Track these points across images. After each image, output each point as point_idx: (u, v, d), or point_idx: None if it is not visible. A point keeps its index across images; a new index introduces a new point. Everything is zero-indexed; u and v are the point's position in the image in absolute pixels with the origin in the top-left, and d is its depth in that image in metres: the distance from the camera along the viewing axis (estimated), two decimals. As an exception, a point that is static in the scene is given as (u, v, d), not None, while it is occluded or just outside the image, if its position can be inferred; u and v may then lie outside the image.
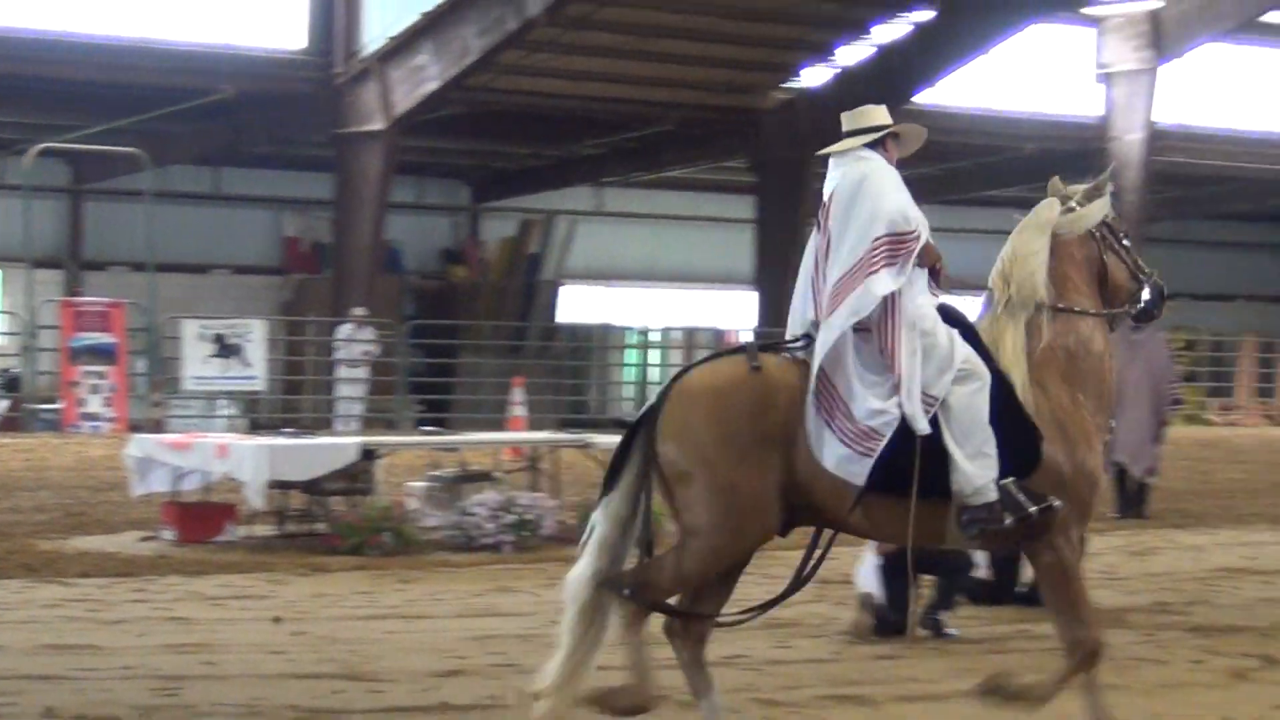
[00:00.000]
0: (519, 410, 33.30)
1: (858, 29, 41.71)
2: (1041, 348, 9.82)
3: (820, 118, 41.14)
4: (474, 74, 37.71)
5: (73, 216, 42.02)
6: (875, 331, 9.44)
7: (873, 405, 9.16)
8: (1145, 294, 10.49)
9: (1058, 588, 9.48)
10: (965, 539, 9.50)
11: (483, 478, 19.05)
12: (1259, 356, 51.44)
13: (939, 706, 10.32)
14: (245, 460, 17.59)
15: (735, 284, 46.82)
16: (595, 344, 45.01)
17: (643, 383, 45.29)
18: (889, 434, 8.94)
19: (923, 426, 9.00)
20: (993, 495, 8.99)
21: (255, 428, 32.69)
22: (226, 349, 37.32)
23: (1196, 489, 26.94)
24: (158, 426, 31.19)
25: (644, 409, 10.11)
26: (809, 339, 9.90)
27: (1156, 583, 16.36)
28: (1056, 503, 9.38)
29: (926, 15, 41.41)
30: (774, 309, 42.28)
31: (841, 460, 8.88)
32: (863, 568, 13.05)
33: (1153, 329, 22.32)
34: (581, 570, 9.26)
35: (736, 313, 46.77)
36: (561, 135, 43.32)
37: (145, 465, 18.47)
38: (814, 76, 42.98)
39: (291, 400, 38.58)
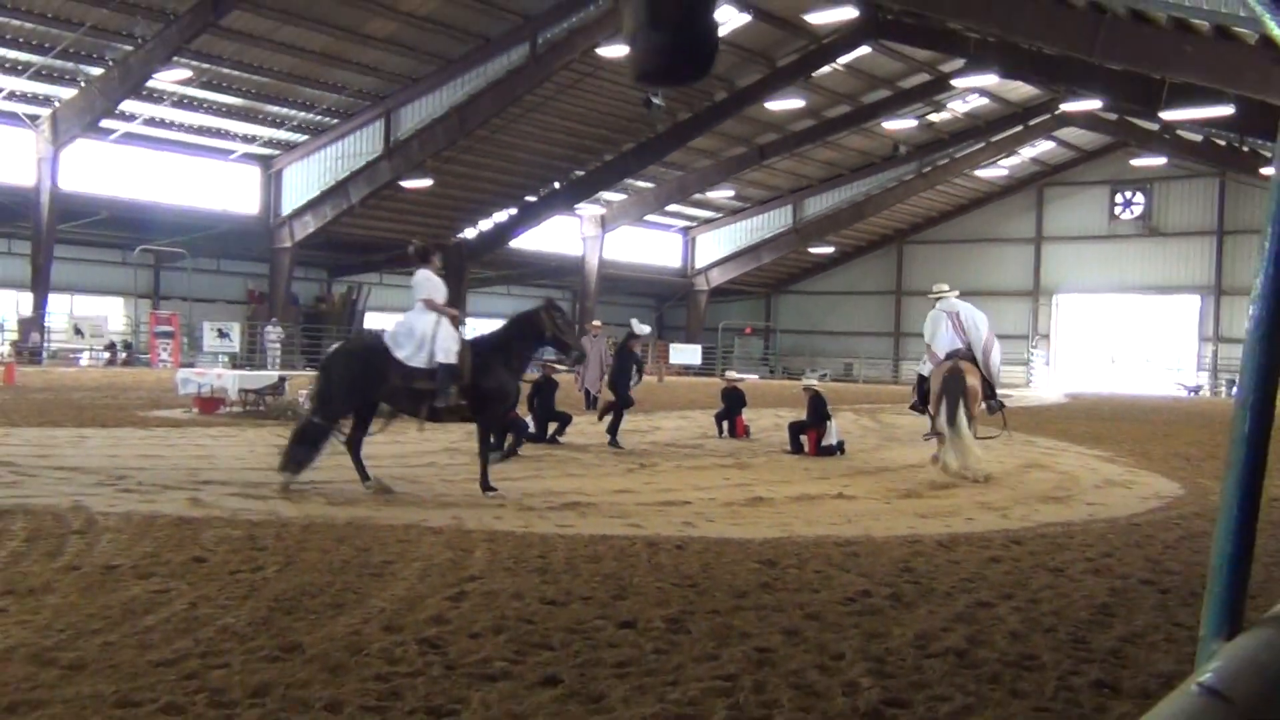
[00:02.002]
0: None
1: (487, 214, 43.31)
2: None
3: (472, 250, 43.77)
4: (328, 226, 37.80)
5: (155, 275, 40.53)
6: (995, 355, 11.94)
7: (998, 371, 11.80)
8: None
9: None
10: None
11: None
12: (641, 349, 55.70)
13: (514, 483, 9.96)
14: (228, 381, 17.76)
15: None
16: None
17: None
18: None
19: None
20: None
21: (234, 367, 32.23)
22: (222, 335, 39.39)
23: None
24: (191, 365, 30.43)
25: (948, 375, 11.51)
26: (961, 353, 11.90)
27: (600, 436, 14.90)
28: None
29: (514, 210, 43.15)
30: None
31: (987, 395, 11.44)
32: None
33: (603, 335, 22.62)
34: (966, 438, 11.01)
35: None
36: (364, 250, 42.91)
37: (185, 381, 18.17)
38: (468, 232, 43.96)
39: (252, 357, 37.15)
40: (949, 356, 11.96)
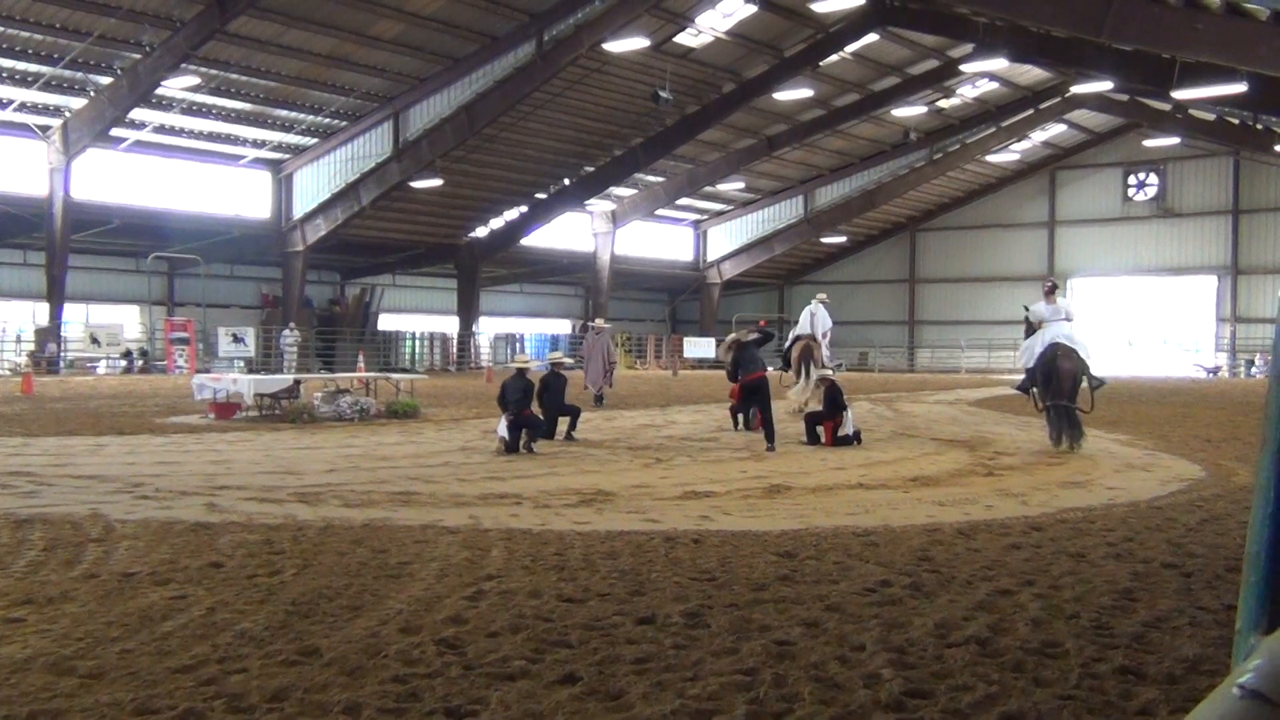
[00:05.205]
0: (361, 363, 34.12)
1: (497, 213, 43.20)
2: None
3: (484, 249, 44.04)
4: (339, 228, 37.63)
5: (169, 282, 40.53)
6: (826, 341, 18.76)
7: (829, 353, 18.63)
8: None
9: None
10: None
11: (345, 391, 18.38)
12: (655, 343, 52.66)
13: (530, 481, 10.06)
14: (244, 385, 17.47)
15: (448, 314, 46.64)
16: (391, 338, 44.68)
17: (413, 355, 45.02)
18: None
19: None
20: None
21: (250, 372, 32.90)
22: (237, 340, 39.46)
23: (629, 393, 25.89)
24: (206, 371, 30.35)
25: (804, 347, 18.28)
26: (808, 335, 18.53)
27: (615, 431, 15.70)
28: None
29: (525, 208, 43.12)
30: (465, 324, 44.78)
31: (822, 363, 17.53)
32: (501, 425, 12.73)
33: (607, 331, 22.77)
34: (813, 384, 16.14)
35: (448, 327, 46.11)
36: (376, 252, 43.31)
37: (200, 387, 17.96)
38: (479, 231, 43.92)
39: (267, 361, 37.30)
40: (799, 337, 18.64)
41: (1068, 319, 13.58)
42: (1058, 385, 12.82)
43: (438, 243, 43.61)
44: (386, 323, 46.93)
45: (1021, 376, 14.73)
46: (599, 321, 24.27)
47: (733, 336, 14.78)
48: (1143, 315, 50.06)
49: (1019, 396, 15.98)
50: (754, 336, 14.67)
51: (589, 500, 9.00)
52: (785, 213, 52.51)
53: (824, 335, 19.06)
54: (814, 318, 19.05)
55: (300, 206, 38.61)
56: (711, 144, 43.08)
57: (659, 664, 4.40)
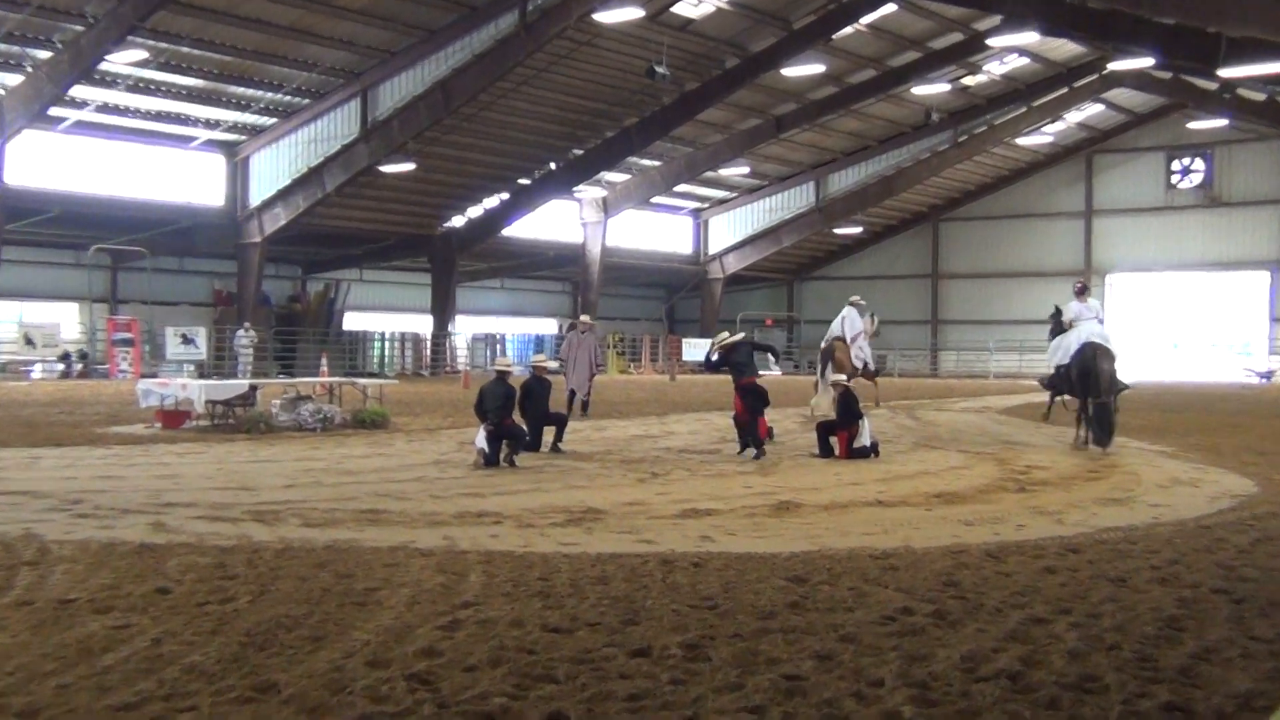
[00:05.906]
0: (324, 367, 34.85)
1: (476, 200, 43.04)
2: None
3: (461, 241, 43.75)
4: (301, 217, 37.39)
5: (112, 277, 40.29)
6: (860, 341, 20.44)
7: (861, 352, 20.74)
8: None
9: None
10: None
11: (306, 398, 18.10)
12: (651, 344, 53.07)
13: (512, 497, 10.07)
14: (194, 391, 17.19)
15: (421, 312, 46.37)
16: (358, 339, 44.50)
17: (382, 358, 45.07)
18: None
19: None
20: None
21: (201, 376, 32.31)
22: (187, 340, 39.37)
23: (621, 400, 26.27)
24: (153, 375, 29.19)
25: (825, 349, 20.60)
26: (836, 336, 20.62)
27: (606, 443, 15.65)
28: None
29: (506, 195, 42.90)
30: (440, 323, 44.57)
31: (853, 367, 20.26)
32: (479, 436, 12.72)
33: (594, 332, 22.83)
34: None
35: (421, 327, 45.95)
36: (342, 244, 43.20)
37: (146, 393, 17.73)
38: (456, 221, 43.77)
39: (220, 365, 37.09)
40: (829, 338, 20.53)
41: (1099, 319, 14.98)
42: (1096, 384, 14.02)
43: (410, 233, 43.44)
44: (353, 322, 46.68)
45: (1049, 374, 15.95)
46: (585, 318, 24.23)
47: (732, 340, 14.72)
48: (1188, 314, 50.24)
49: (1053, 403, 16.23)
50: (753, 339, 14.84)
51: (577, 519, 8.94)
52: (794, 201, 52.56)
53: (853, 339, 20.51)
54: (845, 320, 20.64)
55: (257, 193, 38.41)
56: (713, 125, 43.16)
57: (655, 701, 4.38)
